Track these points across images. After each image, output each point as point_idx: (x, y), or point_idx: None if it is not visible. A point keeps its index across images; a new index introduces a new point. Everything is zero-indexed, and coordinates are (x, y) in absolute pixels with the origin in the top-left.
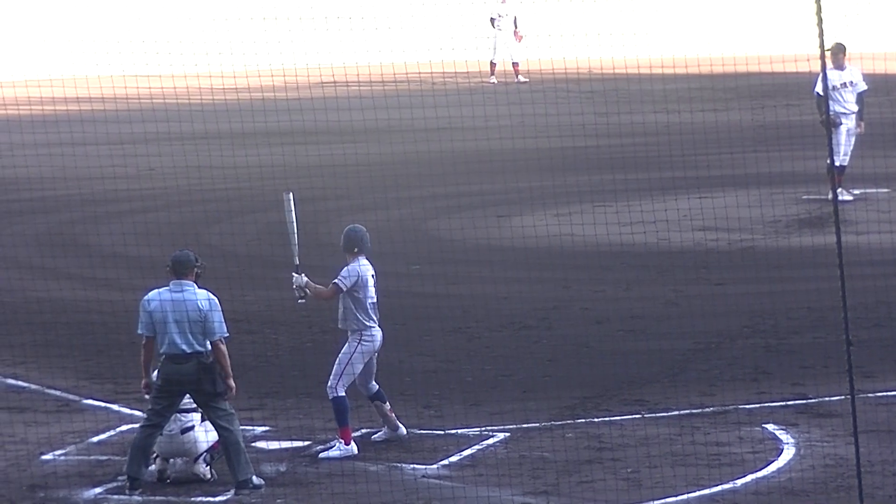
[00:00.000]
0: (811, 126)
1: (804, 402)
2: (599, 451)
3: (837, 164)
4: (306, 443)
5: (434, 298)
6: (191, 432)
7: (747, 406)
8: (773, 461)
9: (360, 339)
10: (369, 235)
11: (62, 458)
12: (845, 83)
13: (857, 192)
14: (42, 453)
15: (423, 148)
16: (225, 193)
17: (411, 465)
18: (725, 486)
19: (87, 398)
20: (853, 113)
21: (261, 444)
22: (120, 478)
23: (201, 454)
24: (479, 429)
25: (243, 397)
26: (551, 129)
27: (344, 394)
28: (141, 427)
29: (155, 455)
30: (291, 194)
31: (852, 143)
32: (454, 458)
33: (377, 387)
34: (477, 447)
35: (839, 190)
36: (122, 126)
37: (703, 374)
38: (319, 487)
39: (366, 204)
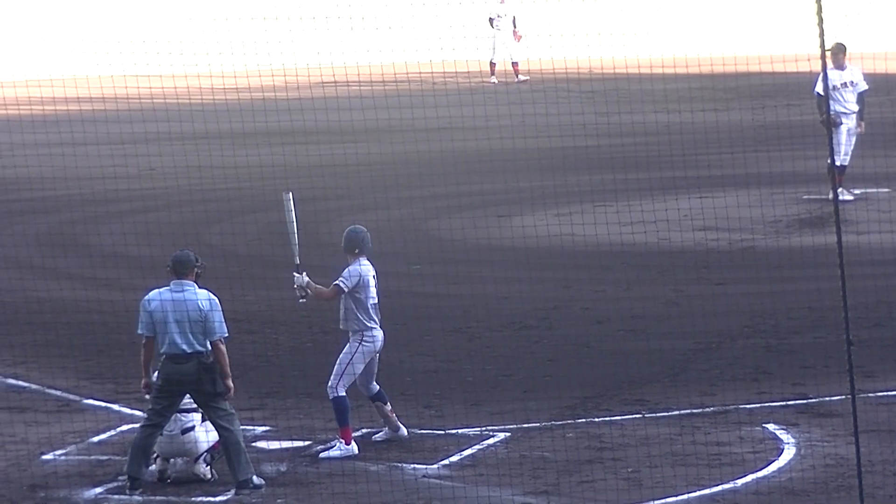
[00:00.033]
0: (812, 126)
1: (805, 401)
2: (600, 451)
3: (838, 163)
4: (307, 443)
5: (435, 298)
6: (191, 432)
7: (748, 406)
8: (773, 461)
9: (362, 340)
10: (370, 236)
11: (63, 457)
12: (846, 83)
13: (857, 191)
14: (43, 453)
15: (424, 148)
16: (225, 193)
17: (412, 465)
18: (726, 486)
19: (87, 398)
20: (853, 113)
21: (261, 444)
22: (120, 478)
23: (202, 454)
24: (479, 429)
25: (244, 397)
26: (552, 129)
27: (344, 394)
28: (141, 427)
29: (155, 455)
30: (291, 194)
31: (853, 142)
32: (455, 458)
33: (378, 387)
34: (477, 447)
35: (840, 190)
36: (123, 126)
37: (703, 373)
38: (320, 487)
39: (366, 204)
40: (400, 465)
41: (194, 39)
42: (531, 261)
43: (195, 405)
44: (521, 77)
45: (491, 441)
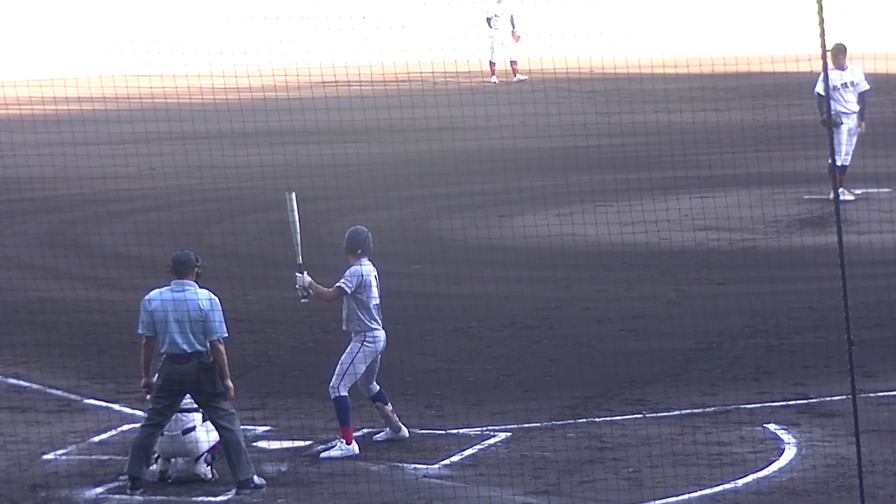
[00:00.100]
0: (812, 126)
1: (805, 401)
2: (601, 451)
3: (839, 163)
4: (307, 442)
5: (435, 298)
6: (192, 433)
7: (748, 406)
8: (774, 461)
9: (364, 341)
10: (371, 236)
11: (63, 457)
12: (846, 83)
13: (858, 191)
14: (43, 453)
15: (425, 147)
16: (226, 193)
17: (412, 465)
18: (727, 486)
19: (88, 398)
20: (854, 113)
21: (262, 444)
22: (121, 477)
23: (203, 454)
24: (480, 428)
25: (245, 397)
26: (552, 129)
27: (346, 394)
28: (142, 427)
29: (156, 455)
30: (294, 194)
31: (853, 142)
32: (455, 458)
33: (378, 387)
34: (478, 447)
35: (840, 190)
36: (124, 126)
37: (704, 373)
38: (321, 487)
39: (367, 203)
40: (401, 464)
41: (194, 39)
42: (532, 261)
43: (196, 405)
44: (520, 76)
45: (492, 441)
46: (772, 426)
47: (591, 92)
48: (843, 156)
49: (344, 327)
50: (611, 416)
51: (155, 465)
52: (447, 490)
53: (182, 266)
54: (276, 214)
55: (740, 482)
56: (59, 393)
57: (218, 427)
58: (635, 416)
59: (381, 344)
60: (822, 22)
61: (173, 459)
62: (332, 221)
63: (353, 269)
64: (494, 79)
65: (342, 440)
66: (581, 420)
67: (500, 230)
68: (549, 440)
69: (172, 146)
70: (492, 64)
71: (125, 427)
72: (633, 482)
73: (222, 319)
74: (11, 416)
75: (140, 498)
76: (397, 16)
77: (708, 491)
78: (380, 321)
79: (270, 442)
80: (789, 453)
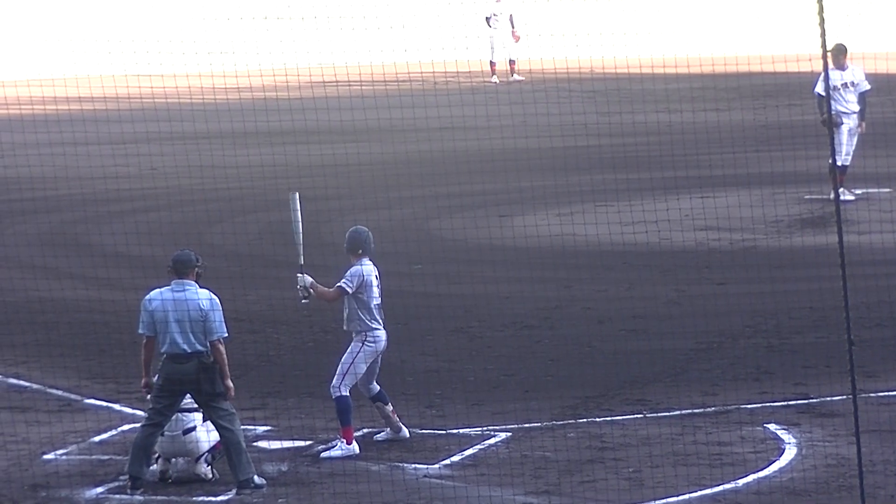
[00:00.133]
0: (813, 126)
1: (806, 401)
2: (601, 451)
3: (839, 163)
4: (308, 442)
5: (436, 298)
6: (193, 433)
7: (749, 406)
8: (774, 461)
9: (364, 341)
10: (372, 235)
11: (64, 457)
12: (846, 83)
13: (858, 191)
14: (44, 453)
15: (425, 147)
16: (227, 193)
17: (413, 465)
18: (727, 486)
19: (88, 398)
20: (854, 113)
21: (262, 444)
22: (122, 477)
23: (203, 454)
24: (480, 428)
25: (245, 397)
26: (553, 129)
27: (347, 393)
28: (142, 426)
29: (157, 455)
30: (297, 194)
31: (854, 142)
32: (456, 458)
33: (378, 388)
34: (479, 447)
35: (841, 190)
36: (124, 126)
37: (704, 373)
38: (321, 487)
39: (368, 203)
40: (401, 464)
41: (194, 39)
42: (533, 260)
43: (196, 405)
44: (517, 76)
45: (492, 441)
46: (772, 426)
47: (591, 92)
48: (844, 156)
49: (345, 327)
50: (611, 416)
51: (155, 465)
52: (447, 490)
53: (182, 266)
54: (277, 214)
55: (741, 482)
56: (60, 393)
57: (218, 427)
58: (636, 416)
59: (382, 344)
60: (822, 22)
61: (174, 459)
62: (332, 221)
63: (353, 269)
64: (495, 79)
65: (343, 440)
66: (582, 420)
67: (500, 230)
68: (550, 440)
69: (173, 146)
70: (492, 64)
71: (125, 427)
72: (634, 482)
73: (222, 319)
74: (12, 415)
75: (140, 498)
76: (397, 16)
77: (708, 491)
78: (381, 321)
79: (271, 442)
80: (790, 453)
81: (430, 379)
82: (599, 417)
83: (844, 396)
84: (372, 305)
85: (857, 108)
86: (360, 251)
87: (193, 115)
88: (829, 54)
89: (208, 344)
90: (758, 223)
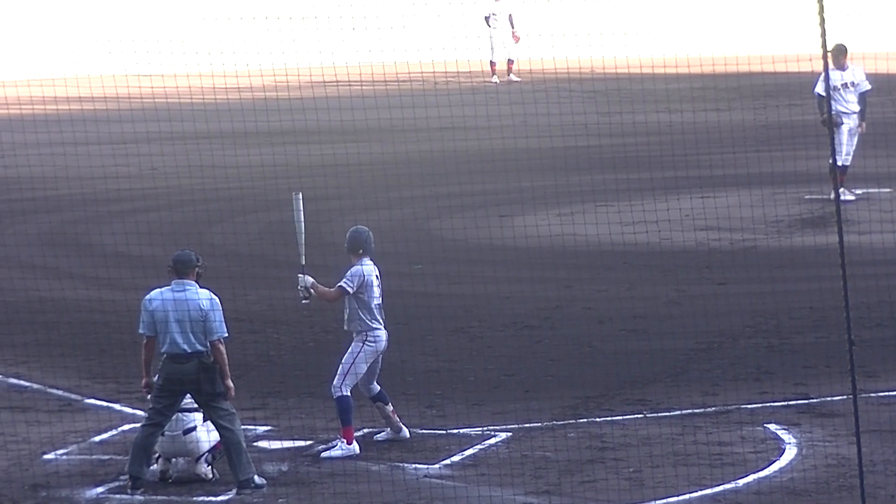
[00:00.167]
0: (813, 126)
1: (806, 401)
2: (601, 451)
3: (840, 163)
4: (308, 442)
5: (436, 298)
6: (193, 433)
7: (749, 406)
8: (775, 461)
9: (365, 341)
10: (372, 235)
11: (64, 457)
12: (846, 83)
13: (859, 191)
14: (44, 453)
15: (426, 147)
16: (227, 193)
17: (413, 465)
18: (727, 486)
19: (89, 398)
20: (854, 113)
21: (263, 444)
22: (122, 477)
23: (203, 454)
24: (481, 428)
25: (245, 397)
26: (553, 129)
27: (348, 393)
28: (142, 426)
29: (157, 455)
30: (300, 194)
31: (854, 142)
32: (456, 458)
33: (378, 388)
34: (479, 447)
35: (841, 190)
36: (124, 125)
37: (705, 373)
38: (321, 487)
39: (368, 203)
40: (401, 464)
41: (194, 39)
42: (533, 261)
43: (196, 405)
44: (514, 77)
45: (492, 441)
46: (772, 426)
47: (591, 92)
48: (844, 156)
49: (345, 327)
50: (612, 416)
51: (156, 465)
52: (448, 490)
53: (183, 266)
54: (277, 214)
55: (741, 482)
56: (60, 393)
57: (218, 427)
58: (636, 416)
59: (383, 344)
60: (822, 22)
61: (174, 459)
62: (333, 221)
63: (354, 269)
64: (495, 79)
65: (343, 440)
66: (582, 420)
67: (500, 230)
68: (550, 440)
69: (173, 146)
70: (492, 64)
71: (126, 427)
72: (634, 482)
73: (223, 319)
74: (12, 415)
75: (141, 498)
76: (397, 16)
77: (708, 491)
78: (381, 321)
79: (271, 442)
80: (790, 453)
81: (430, 379)
82: (600, 417)
83: (845, 396)
84: (373, 305)
85: (857, 108)
86: (361, 251)
87: (193, 115)
88: (829, 54)
89: (208, 344)
90: (758, 223)
